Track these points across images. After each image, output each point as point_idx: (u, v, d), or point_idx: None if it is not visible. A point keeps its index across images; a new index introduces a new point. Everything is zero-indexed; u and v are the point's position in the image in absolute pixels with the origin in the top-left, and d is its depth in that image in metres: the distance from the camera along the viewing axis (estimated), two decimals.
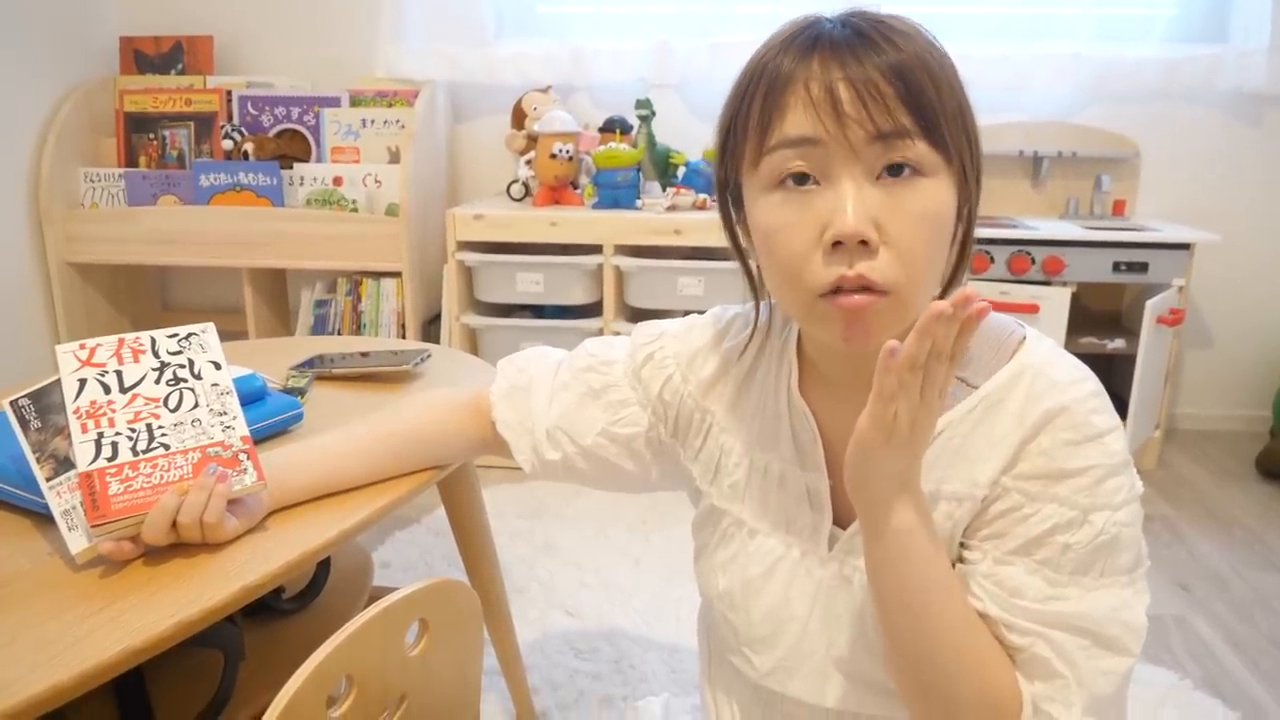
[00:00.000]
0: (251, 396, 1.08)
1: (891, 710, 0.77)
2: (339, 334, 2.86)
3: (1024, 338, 0.74)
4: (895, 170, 0.64)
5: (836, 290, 0.65)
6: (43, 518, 0.89)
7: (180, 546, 0.84)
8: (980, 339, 0.74)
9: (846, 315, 0.66)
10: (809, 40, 0.66)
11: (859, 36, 0.65)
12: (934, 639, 0.66)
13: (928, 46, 0.66)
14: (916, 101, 0.63)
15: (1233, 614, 1.94)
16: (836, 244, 0.64)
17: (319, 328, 2.88)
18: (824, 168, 0.65)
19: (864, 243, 0.64)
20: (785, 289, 0.70)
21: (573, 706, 1.62)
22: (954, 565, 0.72)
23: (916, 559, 0.66)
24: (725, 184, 0.74)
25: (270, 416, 1.10)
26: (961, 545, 0.73)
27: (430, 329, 2.86)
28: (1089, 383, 0.70)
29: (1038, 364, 0.71)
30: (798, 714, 0.82)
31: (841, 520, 0.78)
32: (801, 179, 0.66)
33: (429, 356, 1.38)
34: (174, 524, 0.82)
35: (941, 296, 0.72)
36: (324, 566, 1.21)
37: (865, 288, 0.64)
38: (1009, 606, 0.67)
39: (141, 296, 3.15)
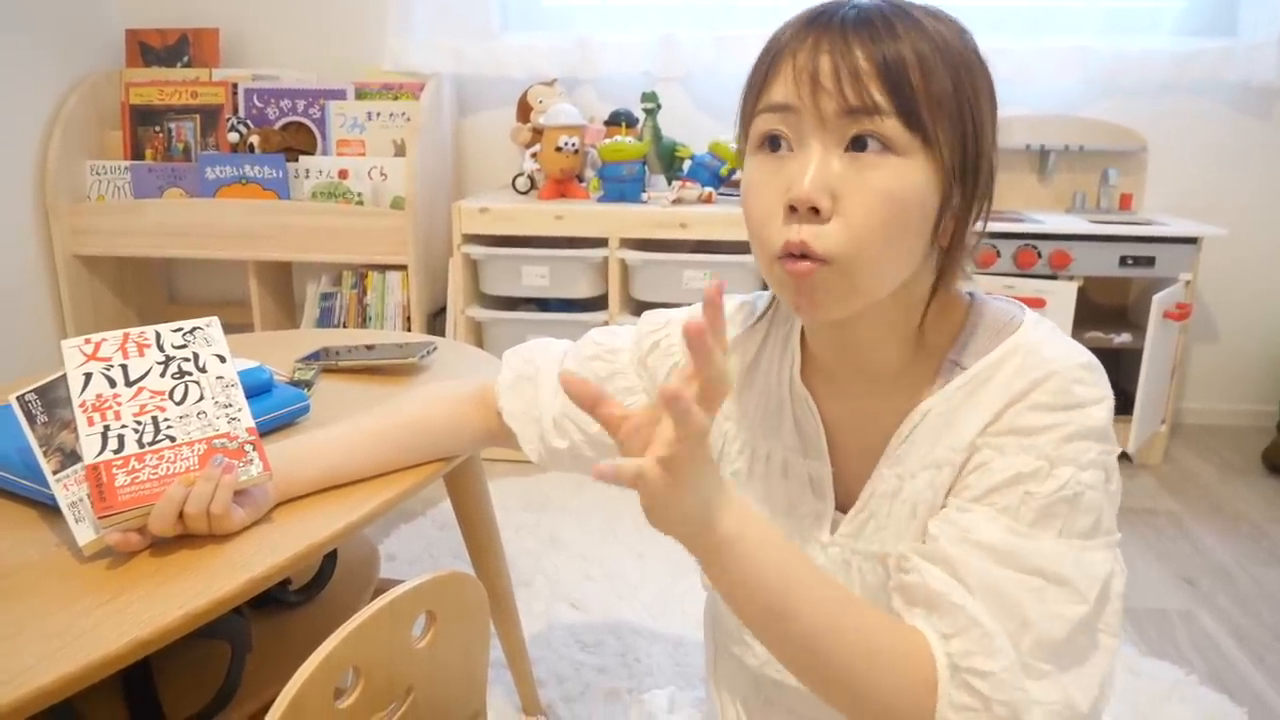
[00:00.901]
0: (258, 389, 1.09)
1: None
2: (344, 327, 2.86)
3: (1022, 321, 0.74)
4: (860, 144, 0.65)
5: (788, 255, 0.66)
6: (49, 509, 0.89)
7: (187, 538, 0.84)
8: (980, 324, 0.74)
9: (794, 281, 0.67)
10: (813, 17, 0.67)
11: (862, 20, 0.65)
12: (810, 633, 0.64)
13: (940, 41, 0.65)
14: (895, 82, 0.64)
15: (1238, 609, 1.94)
16: (792, 208, 0.65)
17: (324, 320, 2.89)
18: (797, 134, 0.66)
19: (816, 211, 0.64)
20: (755, 249, 0.71)
21: (578, 699, 1.63)
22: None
23: (758, 562, 0.64)
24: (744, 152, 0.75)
25: (277, 409, 1.10)
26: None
27: (435, 322, 2.87)
28: (1081, 356, 0.70)
29: (1031, 343, 0.71)
30: (800, 706, 0.83)
31: (842, 505, 0.78)
32: (775, 143, 0.67)
33: (435, 349, 1.38)
34: (180, 515, 0.82)
35: (934, 291, 0.72)
36: (330, 559, 1.21)
37: (806, 255, 0.65)
38: (962, 542, 0.67)
39: (147, 289, 3.15)
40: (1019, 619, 0.64)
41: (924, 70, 0.64)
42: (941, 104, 0.65)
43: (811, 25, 0.66)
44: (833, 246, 0.64)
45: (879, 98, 0.63)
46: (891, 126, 0.64)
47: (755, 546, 0.64)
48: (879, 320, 0.72)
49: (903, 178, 0.65)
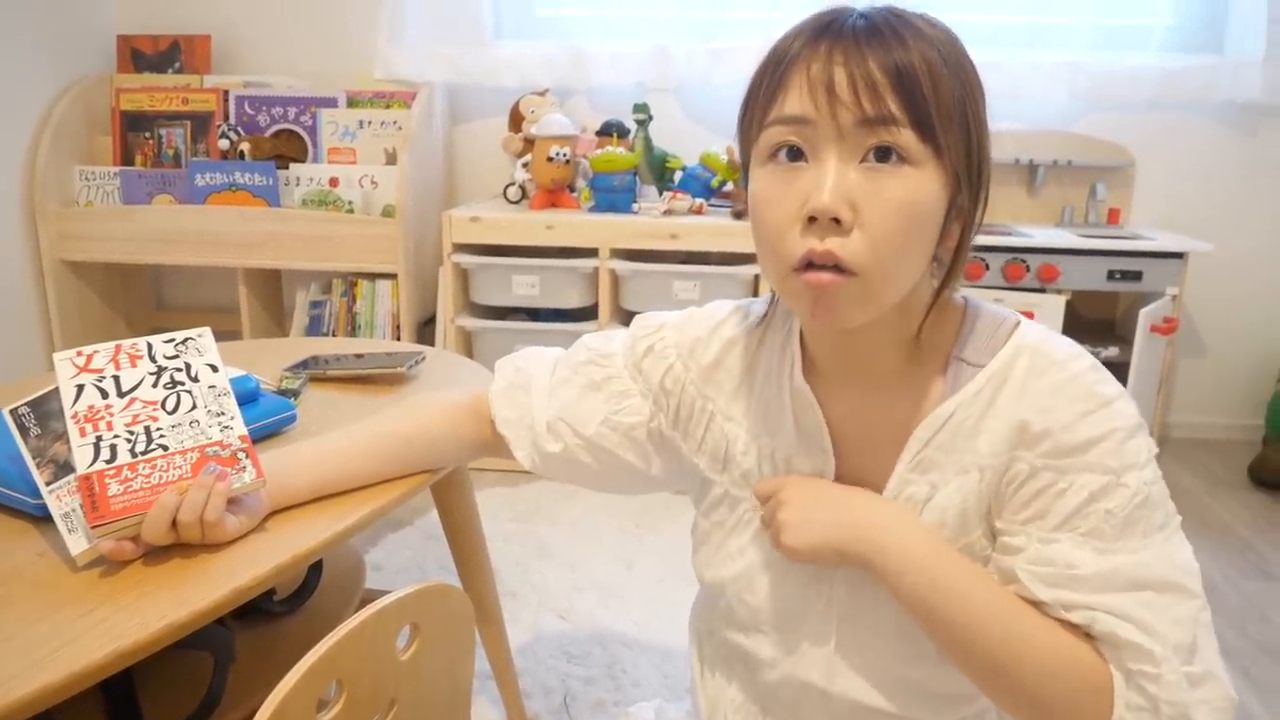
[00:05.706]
0: (245, 398, 1.08)
1: (901, 706, 0.77)
2: (333, 335, 2.85)
3: (1018, 322, 0.75)
4: (880, 155, 0.65)
5: (808, 266, 0.67)
6: (33, 519, 0.89)
7: (180, 547, 0.84)
8: (977, 324, 0.76)
9: (813, 292, 0.67)
10: (822, 27, 0.68)
11: (870, 30, 0.66)
12: (992, 654, 0.68)
13: (943, 48, 0.67)
14: (909, 93, 0.65)
15: (1224, 622, 1.94)
16: (812, 219, 0.66)
17: (314, 329, 2.88)
18: (813, 146, 0.67)
19: (838, 221, 0.65)
20: (765, 260, 0.71)
21: (564, 711, 1.62)
22: (985, 540, 0.74)
23: (929, 587, 0.69)
24: (746, 161, 0.75)
25: (263, 418, 1.10)
26: (996, 533, 0.73)
27: (425, 331, 2.86)
28: (1086, 357, 0.72)
29: (1034, 343, 0.73)
30: (799, 708, 0.83)
31: None
32: (794, 153, 0.68)
33: (424, 359, 1.38)
34: (174, 524, 0.82)
35: (935, 297, 0.74)
36: (316, 569, 1.21)
37: (834, 266, 0.66)
38: (1062, 580, 0.68)
39: (136, 295, 3.14)
40: (1148, 636, 0.66)
41: (933, 78, 0.65)
42: (950, 112, 0.66)
43: (822, 35, 0.67)
44: (859, 257, 0.65)
45: (895, 108, 0.64)
46: (906, 137, 0.65)
47: (918, 573, 0.71)
48: (879, 326, 0.73)
49: (918, 188, 0.66)
